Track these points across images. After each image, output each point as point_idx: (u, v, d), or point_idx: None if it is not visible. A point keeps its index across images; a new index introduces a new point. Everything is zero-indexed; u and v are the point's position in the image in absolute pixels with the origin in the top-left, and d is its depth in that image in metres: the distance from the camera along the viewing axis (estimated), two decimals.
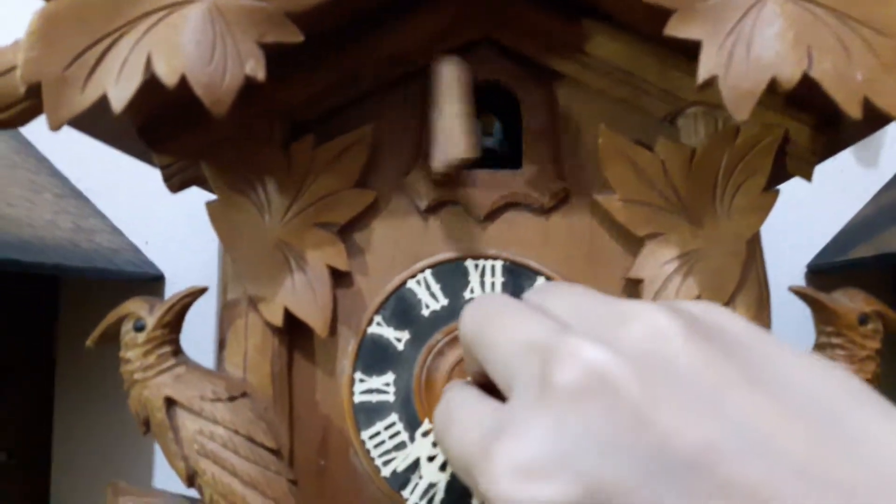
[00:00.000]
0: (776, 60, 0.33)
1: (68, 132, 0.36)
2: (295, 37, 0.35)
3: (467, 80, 0.39)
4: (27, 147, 0.61)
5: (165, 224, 0.63)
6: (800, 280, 0.62)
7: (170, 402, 0.38)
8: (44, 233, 0.50)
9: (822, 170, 0.57)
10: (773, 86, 0.33)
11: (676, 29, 0.34)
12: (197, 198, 0.46)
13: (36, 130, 0.59)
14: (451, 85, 0.38)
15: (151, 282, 0.62)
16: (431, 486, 0.41)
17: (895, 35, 0.33)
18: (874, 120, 0.35)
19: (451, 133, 0.37)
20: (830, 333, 0.38)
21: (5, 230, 0.45)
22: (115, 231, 0.62)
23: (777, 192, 0.41)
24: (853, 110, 0.33)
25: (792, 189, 0.48)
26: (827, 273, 0.60)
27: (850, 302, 0.38)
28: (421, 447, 0.40)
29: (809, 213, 0.62)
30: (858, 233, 0.58)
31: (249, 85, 0.34)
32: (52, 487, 0.60)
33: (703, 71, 0.33)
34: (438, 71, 0.38)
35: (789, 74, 0.33)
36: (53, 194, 0.57)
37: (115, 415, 0.61)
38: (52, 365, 0.61)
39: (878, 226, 0.56)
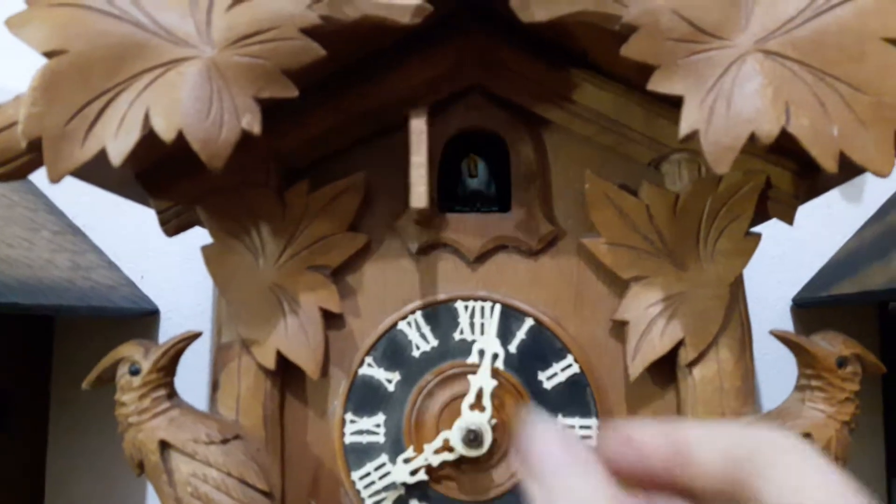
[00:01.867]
0: (755, 116, 0.34)
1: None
2: (291, 92, 0.36)
3: (435, 132, 0.40)
4: (25, 183, 0.62)
5: (161, 258, 0.63)
6: (786, 314, 0.63)
7: (164, 446, 0.39)
8: (42, 273, 0.50)
9: (807, 205, 0.59)
10: (752, 140, 0.34)
11: (659, 84, 0.35)
12: (192, 233, 0.47)
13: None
14: (418, 137, 0.39)
15: (146, 316, 0.62)
16: None
17: (871, 91, 0.34)
18: (851, 169, 0.36)
19: (413, 183, 0.39)
20: (810, 376, 0.39)
21: (6, 273, 0.45)
22: (112, 266, 0.62)
23: (759, 236, 0.42)
24: (829, 164, 0.34)
25: (778, 224, 0.49)
26: (812, 307, 0.61)
27: (830, 345, 0.39)
28: (401, 472, 0.41)
29: (795, 248, 0.63)
30: (842, 268, 0.59)
31: (245, 136, 0.35)
32: None
33: (685, 126, 0.34)
34: (410, 123, 0.39)
35: (768, 130, 0.34)
36: (51, 231, 0.58)
37: (108, 454, 0.61)
38: (47, 402, 0.61)
39: (861, 261, 0.57)
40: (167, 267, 0.65)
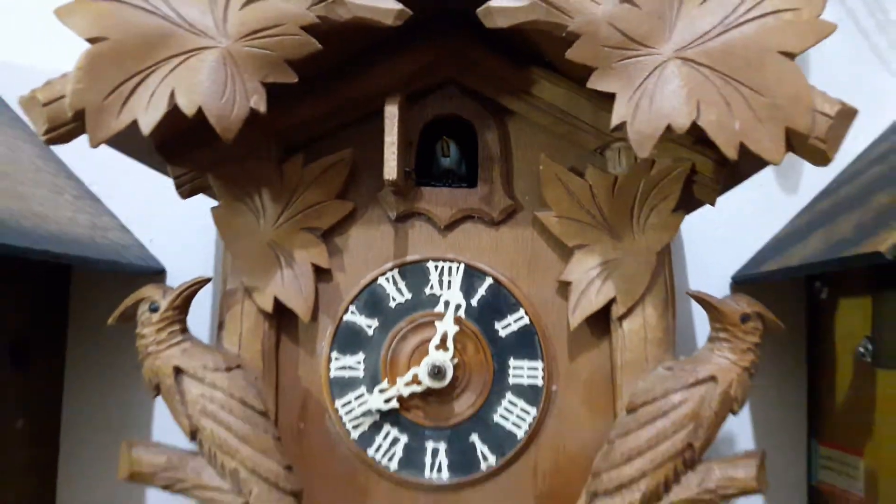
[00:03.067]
0: (672, 111, 0.41)
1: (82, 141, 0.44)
2: (291, 78, 0.43)
3: (405, 116, 0.47)
4: (48, 152, 0.68)
5: (168, 224, 0.70)
6: (727, 288, 0.71)
7: (178, 371, 0.46)
8: (67, 229, 0.57)
9: (749, 195, 0.66)
10: (668, 131, 0.42)
11: (597, 83, 0.43)
12: (196, 202, 0.54)
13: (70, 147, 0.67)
14: (391, 121, 0.46)
15: (154, 275, 0.69)
16: (393, 440, 0.49)
17: (768, 95, 0.42)
18: (754, 160, 0.44)
19: (386, 159, 0.46)
20: (718, 329, 0.47)
21: (39, 226, 0.52)
22: (124, 229, 0.69)
23: (683, 214, 0.49)
24: (730, 153, 0.41)
25: (723, 211, 0.57)
26: (747, 283, 0.68)
27: (736, 304, 0.46)
28: (375, 400, 0.48)
29: (736, 232, 0.70)
30: (773, 249, 0.66)
31: (253, 114, 0.42)
32: (62, 451, 0.68)
33: (616, 117, 0.42)
34: (385, 109, 0.47)
35: (681, 123, 0.41)
36: (72, 195, 0.65)
37: (118, 386, 0.69)
38: (63, 345, 0.68)
39: (788, 244, 0.65)
40: (173, 233, 0.71)
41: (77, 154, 0.68)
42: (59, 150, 0.70)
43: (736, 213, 0.69)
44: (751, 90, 0.42)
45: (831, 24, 0.43)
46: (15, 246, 0.47)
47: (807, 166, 0.72)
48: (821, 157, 0.43)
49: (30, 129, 0.70)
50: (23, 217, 0.52)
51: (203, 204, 0.53)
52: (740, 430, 0.70)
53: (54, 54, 0.49)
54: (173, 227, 0.71)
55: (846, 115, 0.42)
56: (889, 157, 0.62)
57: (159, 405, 0.68)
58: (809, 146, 0.42)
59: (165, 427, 0.59)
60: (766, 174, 0.70)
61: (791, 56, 0.42)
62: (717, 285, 0.70)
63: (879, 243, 0.47)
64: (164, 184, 0.53)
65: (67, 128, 0.43)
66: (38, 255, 0.50)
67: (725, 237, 0.71)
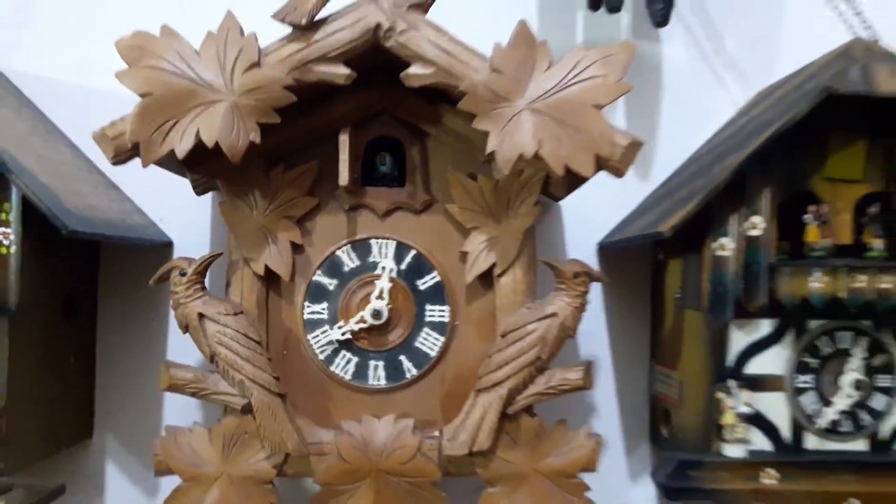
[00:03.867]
0: (523, 144, 0.65)
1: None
2: (275, 119, 0.65)
3: (353, 138, 0.70)
4: (79, 152, 0.88)
5: (173, 208, 0.90)
6: (594, 254, 0.94)
7: (201, 316, 0.69)
8: (106, 214, 0.78)
9: (612, 182, 0.87)
10: (521, 157, 0.65)
11: (477, 124, 0.66)
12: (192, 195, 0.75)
13: (87, 141, 0.87)
14: (343, 144, 0.69)
15: (165, 247, 0.90)
16: (347, 361, 0.73)
17: (584, 132, 0.65)
18: (573, 179, 0.67)
19: (340, 170, 0.69)
20: (559, 282, 0.71)
21: (94, 216, 0.73)
22: (140, 212, 0.90)
23: (541, 206, 0.73)
24: (559, 171, 0.65)
25: (590, 194, 0.79)
26: (609, 248, 0.92)
27: (570, 266, 0.71)
28: (335, 333, 0.72)
29: (602, 210, 0.93)
30: (626, 223, 0.91)
31: (251, 143, 0.65)
32: (98, 380, 0.89)
33: (489, 147, 0.65)
34: (339, 136, 0.69)
35: (529, 152, 0.65)
36: (103, 188, 0.85)
37: (136, 329, 0.90)
38: (96, 298, 0.89)
39: (634, 219, 0.89)
40: (179, 215, 0.92)
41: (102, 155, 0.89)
42: (87, 150, 0.90)
43: (602, 196, 0.91)
44: (574, 129, 0.65)
45: (628, 84, 0.66)
46: (92, 232, 0.68)
47: (656, 162, 0.96)
48: (617, 173, 0.66)
49: (64, 134, 0.90)
50: (85, 209, 0.73)
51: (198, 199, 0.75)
52: (604, 355, 0.95)
53: (82, 70, 0.69)
54: (178, 210, 0.91)
55: (634, 145, 0.66)
56: (702, 158, 0.87)
57: (170, 342, 0.91)
58: (610, 166, 0.66)
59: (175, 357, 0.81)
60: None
61: (600, 107, 0.65)
62: (587, 250, 0.93)
63: (665, 225, 0.71)
64: (170, 179, 0.74)
65: (127, 154, 0.65)
66: (103, 238, 0.71)
67: (594, 214, 0.93)
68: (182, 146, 0.64)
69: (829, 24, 0.84)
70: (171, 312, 0.87)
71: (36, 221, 0.69)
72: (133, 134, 0.63)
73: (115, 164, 0.65)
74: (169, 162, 0.68)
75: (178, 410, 0.89)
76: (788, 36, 0.95)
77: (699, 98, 0.95)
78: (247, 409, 0.69)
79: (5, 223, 0.69)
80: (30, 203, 0.68)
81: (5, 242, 0.69)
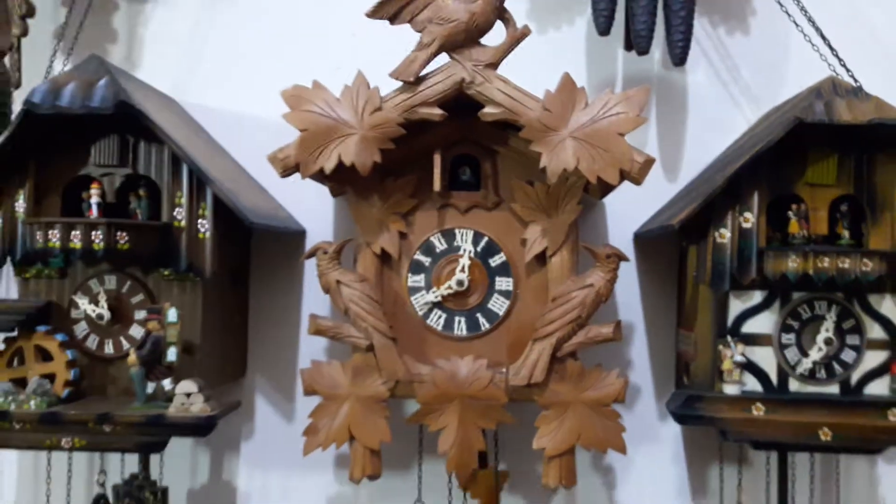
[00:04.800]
0: (566, 162, 0.90)
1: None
2: (391, 146, 0.93)
3: (443, 156, 0.97)
4: (235, 162, 1.18)
5: (307, 206, 1.19)
6: (630, 241, 1.18)
7: (338, 282, 0.98)
8: (265, 210, 1.08)
9: (647, 184, 1.10)
10: (565, 170, 0.90)
11: (534, 147, 0.92)
12: (323, 194, 1.03)
13: (247, 157, 1.17)
14: (436, 161, 0.96)
15: (300, 234, 1.20)
16: (439, 317, 1.01)
17: (611, 152, 0.90)
18: (607, 186, 0.92)
19: (434, 179, 0.96)
20: (596, 261, 0.96)
21: (258, 210, 1.03)
22: (282, 208, 1.19)
23: (582, 205, 0.98)
24: (593, 179, 0.90)
25: (628, 195, 1.02)
26: (641, 238, 1.16)
27: (604, 249, 0.96)
28: (430, 297, 0.99)
29: (638, 207, 1.16)
30: (654, 217, 1.14)
31: (374, 164, 0.93)
32: (250, 335, 1.20)
33: (542, 163, 0.91)
34: (434, 156, 0.96)
35: (570, 166, 0.90)
36: (257, 189, 1.15)
37: (280, 300, 1.20)
38: (248, 271, 1.20)
39: (661, 213, 1.12)
40: (310, 212, 1.21)
41: (252, 161, 1.19)
42: (241, 158, 1.20)
43: (638, 195, 1.14)
44: (603, 150, 0.91)
45: (644, 118, 0.91)
46: (266, 225, 0.98)
47: (683, 167, 1.19)
48: (636, 181, 0.91)
49: (226, 151, 1.20)
50: (253, 206, 1.03)
51: (326, 196, 1.04)
52: (639, 322, 1.19)
53: (240, 101, 0.99)
54: (309, 206, 1.20)
55: (647, 162, 0.91)
56: (716, 165, 1.10)
57: (304, 303, 1.19)
58: (631, 177, 0.91)
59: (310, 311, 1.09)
60: (658, 173, 1.18)
61: (622, 135, 0.90)
62: (625, 239, 1.18)
63: (675, 219, 0.95)
64: (303, 185, 1.02)
65: (291, 170, 0.94)
66: (267, 227, 1.01)
67: (632, 210, 1.17)
68: (329, 165, 0.92)
69: (820, 57, 1.06)
70: (304, 282, 1.19)
71: (220, 216, 1.00)
72: (295, 157, 0.93)
73: (283, 177, 0.95)
74: (317, 175, 0.97)
75: (305, 359, 1.18)
76: (792, 66, 1.16)
77: (718, 116, 1.18)
78: (369, 348, 0.98)
79: (203, 217, 1.00)
80: (220, 202, 0.98)
81: (202, 230, 1.00)
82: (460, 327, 1.02)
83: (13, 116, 1.10)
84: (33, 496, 1.20)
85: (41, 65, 1.13)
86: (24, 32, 1.14)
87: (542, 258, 1.00)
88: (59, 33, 1.17)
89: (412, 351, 1.01)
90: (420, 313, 1.02)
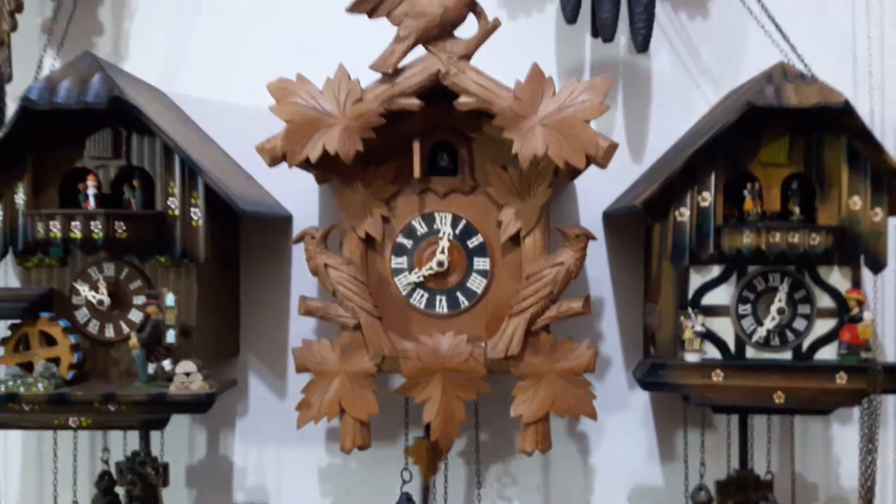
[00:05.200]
0: (536, 147, 0.97)
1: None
2: (372, 135, 0.99)
3: (423, 143, 1.03)
4: (225, 153, 1.23)
5: (293, 192, 1.25)
6: (600, 220, 1.25)
7: (325, 265, 1.04)
8: (254, 197, 1.14)
9: (614, 165, 1.17)
10: (535, 156, 0.97)
11: (506, 133, 0.98)
12: (308, 181, 1.10)
13: (233, 146, 1.22)
14: (416, 148, 1.02)
15: (287, 219, 1.25)
16: (421, 296, 1.07)
17: (578, 137, 0.97)
18: (575, 170, 0.99)
19: (415, 164, 1.02)
20: (565, 241, 1.03)
21: (247, 197, 1.09)
22: (269, 195, 1.25)
23: (550, 188, 1.05)
24: (561, 164, 0.97)
25: (597, 175, 1.08)
26: (610, 216, 1.23)
27: (573, 229, 1.03)
28: (412, 277, 1.06)
29: (607, 187, 1.23)
30: (621, 197, 1.21)
31: (357, 152, 0.99)
32: (242, 315, 1.26)
33: (514, 149, 0.98)
34: (413, 143, 1.03)
35: (540, 152, 0.97)
36: (245, 178, 1.21)
37: (270, 283, 1.26)
38: (238, 258, 1.25)
39: (628, 193, 1.19)
40: (296, 198, 1.26)
41: (239, 150, 1.24)
42: (227, 147, 1.25)
43: (607, 175, 1.20)
44: (570, 136, 0.97)
45: (607, 105, 0.97)
46: (255, 212, 1.04)
47: (647, 148, 1.26)
48: (601, 165, 0.98)
49: (214, 140, 1.25)
50: (242, 194, 1.08)
51: (311, 183, 1.10)
52: (608, 296, 1.27)
53: (229, 92, 1.05)
54: (295, 193, 1.26)
55: (611, 147, 0.97)
56: (677, 146, 1.17)
57: (293, 286, 1.25)
58: (596, 161, 0.97)
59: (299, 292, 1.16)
60: (625, 155, 1.25)
61: (587, 121, 0.97)
62: (595, 218, 1.25)
63: (638, 199, 1.02)
64: (289, 173, 1.07)
65: (278, 160, 0.99)
66: (257, 214, 1.07)
67: (601, 190, 1.24)
68: (314, 154, 0.98)
69: (772, 43, 1.13)
70: (292, 265, 1.25)
71: (211, 204, 1.05)
72: (282, 147, 0.98)
73: (270, 166, 1.00)
74: (303, 164, 1.02)
75: (295, 339, 1.24)
76: (750, 49, 1.23)
77: (681, 99, 1.25)
78: (357, 327, 1.05)
79: (195, 205, 1.05)
80: (211, 191, 1.04)
81: (195, 218, 1.05)
82: (441, 305, 1.09)
83: (7, 109, 1.15)
84: (37, 474, 1.26)
85: (30, 58, 1.18)
86: (14, 28, 1.18)
87: (516, 239, 1.07)
88: (48, 28, 1.21)
89: (397, 328, 1.08)
90: (403, 293, 1.09)
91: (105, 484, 1.15)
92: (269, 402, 1.28)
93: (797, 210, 1.05)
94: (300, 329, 1.24)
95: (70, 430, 1.07)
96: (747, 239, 1.02)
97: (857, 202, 1.04)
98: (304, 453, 1.27)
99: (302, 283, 1.24)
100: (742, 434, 1.18)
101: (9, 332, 1.06)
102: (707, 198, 1.04)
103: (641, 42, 1.11)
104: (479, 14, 0.99)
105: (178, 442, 1.25)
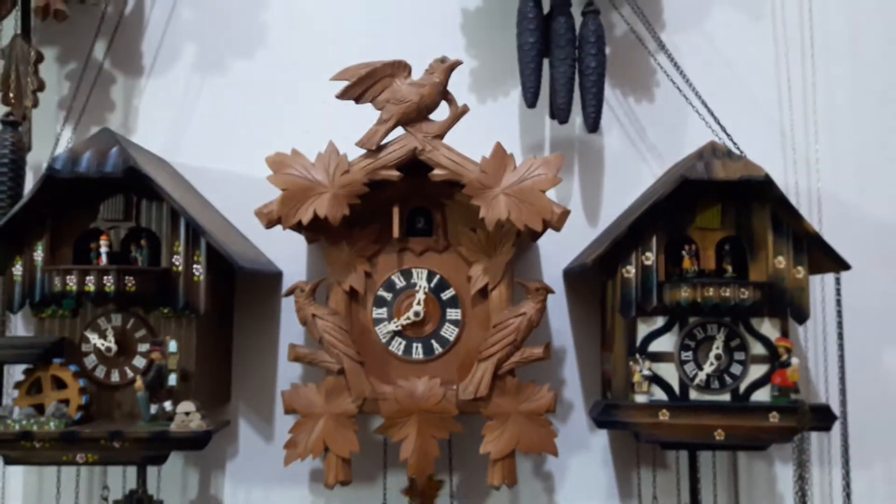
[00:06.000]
0: (499, 212, 1.11)
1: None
2: (357, 202, 1.13)
3: (402, 209, 1.17)
4: (221, 216, 1.37)
5: (282, 250, 1.38)
6: (560, 276, 1.39)
7: (313, 315, 1.17)
8: (248, 255, 1.27)
9: (572, 228, 1.32)
10: (499, 220, 1.12)
11: (474, 201, 1.13)
12: (297, 241, 1.23)
13: (228, 209, 1.36)
14: (395, 213, 1.16)
15: (277, 275, 1.38)
16: (399, 343, 1.20)
17: (535, 206, 1.12)
18: (535, 232, 1.14)
19: (394, 227, 1.16)
20: (527, 293, 1.17)
21: (244, 256, 1.21)
22: (262, 253, 1.38)
23: (514, 248, 1.19)
24: (521, 228, 1.12)
25: (557, 237, 1.23)
26: (572, 272, 1.37)
27: (534, 284, 1.16)
28: (391, 326, 1.19)
29: (566, 247, 1.37)
30: (579, 256, 1.36)
31: (343, 216, 1.13)
32: (234, 364, 1.37)
33: (480, 214, 1.12)
34: (393, 209, 1.17)
35: (503, 217, 1.11)
36: (241, 238, 1.34)
37: (261, 333, 1.37)
38: (232, 310, 1.37)
39: (584, 253, 1.34)
40: (286, 254, 1.40)
41: (233, 213, 1.37)
42: (223, 210, 1.39)
43: (565, 237, 1.35)
44: (529, 204, 1.12)
45: (559, 178, 1.13)
46: (251, 268, 1.17)
47: (602, 214, 1.41)
48: (556, 229, 1.13)
49: (211, 204, 1.39)
50: (239, 252, 1.21)
51: (300, 242, 1.24)
52: (569, 345, 1.40)
53: (224, 161, 1.19)
54: (285, 251, 1.39)
55: (564, 213, 1.12)
56: (627, 212, 1.32)
57: (281, 337, 1.37)
58: (552, 225, 1.12)
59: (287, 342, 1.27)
60: (581, 220, 1.40)
61: (543, 191, 1.12)
62: (556, 274, 1.39)
63: (589, 258, 1.17)
64: (282, 234, 1.21)
65: (274, 223, 1.13)
66: (252, 271, 1.20)
67: (562, 249, 1.39)
68: (306, 218, 1.12)
69: (706, 125, 1.30)
70: (281, 316, 1.37)
71: (212, 261, 1.18)
72: (278, 212, 1.12)
73: (267, 228, 1.14)
74: (295, 226, 1.16)
75: (282, 385, 1.35)
76: (689, 129, 1.40)
77: (630, 171, 1.41)
78: (340, 371, 1.17)
79: (198, 262, 1.18)
80: (212, 250, 1.17)
81: (197, 274, 1.18)
82: (418, 352, 1.21)
83: (26, 177, 1.29)
84: None
85: (47, 132, 1.32)
86: (35, 104, 1.33)
87: (484, 292, 1.21)
88: (67, 105, 1.35)
89: (377, 373, 1.20)
90: (383, 340, 1.21)
91: None
92: (258, 445, 1.38)
93: (730, 269, 1.20)
94: (287, 376, 1.35)
95: (74, 469, 1.16)
96: (685, 293, 1.16)
97: (781, 262, 1.19)
98: (290, 493, 1.37)
99: (289, 333, 1.36)
100: (691, 471, 1.30)
101: (23, 377, 1.16)
102: (650, 257, 1.19)
103: (591, 123, 1.28)
104: (451, 101, 1.15)
105: (172, 481, 1.34)
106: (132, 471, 1.25)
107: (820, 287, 1.32)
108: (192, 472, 1.37)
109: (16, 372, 1.21)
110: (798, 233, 1.19)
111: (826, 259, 1.18)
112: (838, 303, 1.21)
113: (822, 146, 1.40)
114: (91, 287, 1.12)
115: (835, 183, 1.40)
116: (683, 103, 1.35)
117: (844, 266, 1.18)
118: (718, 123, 1.28)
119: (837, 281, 1.21)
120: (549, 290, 1.19)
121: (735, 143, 1.26)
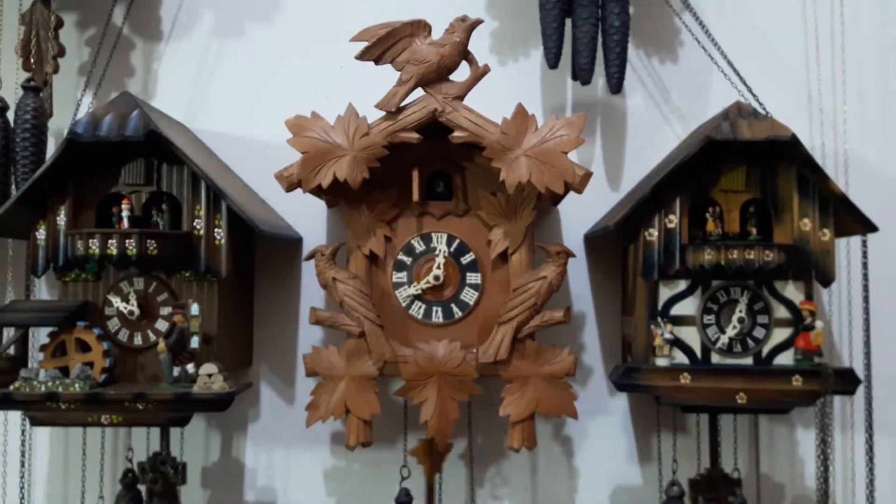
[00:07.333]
0: (520, 175, 1.10)
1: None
2: (376, 164, 1.13)
3: (421, 172, 1.17)
4: (242, 182, 1.37)
5: (302, 215, 1.38)
6: (581, 241, 1.38)
7: (333, 279, 1.17)
8: (268, 220, 1.27)
9: (593, 192, 1.30)
10: (520, 183, 1.11)
11: (495, 163, 1.12)
12: (317, 205, 1.23)
13: (248, 174, 1.36)
14: (415, 176, 1.16)
15: (297, 241, 1.38)
16: (419, 307, 1.20)
17: (557, 167, 1.10)
18: (556, 195, 1.13)
19: (413, 190, 1.15)
20: (547, 257, 1.16)
21: (264, 220, 1.22)
22: (282, 218, 1.38)
23: (534, 211, 1.18)
24: (543, 190, 1.10)
25: (579, 201, 1.22)
26: (590, 237, 1.36)
27: (554, 247, 1.16)
28: (411, 290, 1.19)
29: (587, 211, 1.36)
30: (601, 220, 1.34)
31: (363, 179, 1.12)
32: (255, 325, 1.38)
33: (501, 177, 1.11)
34: (413, 171, 1.16)
35: (524, 179, 1.10)
36: (261, 203, 1.34)
37: (281, 297, 1.38)
38: (253, 274, 1.38)
39: (606, 217, 1.32)
40: (305, 222, 1.40)
41: (253, 178, 1.37)
42: (243, 175, 1.39)
43: (588, 201, 1.34)
44: (550, 166, 1.11)
45: (582, 139, 1.11)
46: (271, 233, 1.17)
47: (624, 177, 1.40)
48: (578, 191, 1.11)
49: (232, 170, 1.39)
50: (260, 217, 1.21)
51: (319, 208, 1.23)
52: (590, 311, 1.39)
53: (247, 127, 1.19)
54: (303, 217, 1.39)
55: (586, 175, 1.11)
56: (649, 175, 1.31)
57: (302, 300, 1.38)
58: (573, 187, 1.11)
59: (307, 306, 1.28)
60: (603, 183, 1.39)
61: (566, 153, 1.10)
62: (577, 239, 1.38)
63: (612, 221, 1.16)
64: (301, 199, 1.21)
65: (294, 186, 1.13)
66: (272, 235, 1.20)
67: (583, 214, 1.38)
68: (325, 181, 1.12)
69: (731, 85, 1.27)
70: (302, 280, 1.38)
71: (233, 225, 1.18)
72: (298, 175, 1.12)
73: (287, 191, 1.14)
74: (314, 190, 1.15)
75: (303, 348, 1.36)
76: (714, 90, 1.37)
77: (653, 133, 1.39)
78: (361, 335, 1.17)
79: (219, 226, 1.18)
80: (233, 214, 1.17)
81: (218, 238, 1.18)
82: (437, 315, 1.21)
83: (48, 143, 1.29)
84: (63, 473, 1.37)
85: (68, 97, 1.33)
86: (56, 70, 1.32)
87: (504, 256, 1.20)
88: (87, 71, 1.35)
89: (397, 336, 1.20)
90: (403, 304, 1.21)
91: (129, 481, 1.26)
92: (279, 408, 1.39)
93: (755, 231, 1.19)
94: (308, 340, 1.36)
95: (99, 430, 1.18)
96: (709, 256, 1.15)
97: (807, 224, 1.18)
98: (311, 456, 1.38)
99: (309, 298, 1.36)
100: (712, 436, 1.29)
101: (48, 340, 1.18)
102: (673, 220, 1.17)
103: (615, 84, 1.26)
104: (472, 61, 1.13)
105: (195, 444, 1.36)
106: (155, 434, 1.27)
107: (846, 250, 1.30)
108: (214, 434, 1.39)
109: (41, 335, 1.23)
110: (824, 194, 1.17)
111: (852, 221, 1.16)
112: (864, 265, 1.19)
113: (849, 108, 1.37)
114: (113, 251, 1.13)
115: (861, 145, 1.38)
116: (708, 63, 1.32)
117: (871, 228, 1.16)
118: (744, 83, 1.25)
119: (864, 243, 1.19)
120: (570, 254, 1.18)
121: (761, 104, 1.23)
